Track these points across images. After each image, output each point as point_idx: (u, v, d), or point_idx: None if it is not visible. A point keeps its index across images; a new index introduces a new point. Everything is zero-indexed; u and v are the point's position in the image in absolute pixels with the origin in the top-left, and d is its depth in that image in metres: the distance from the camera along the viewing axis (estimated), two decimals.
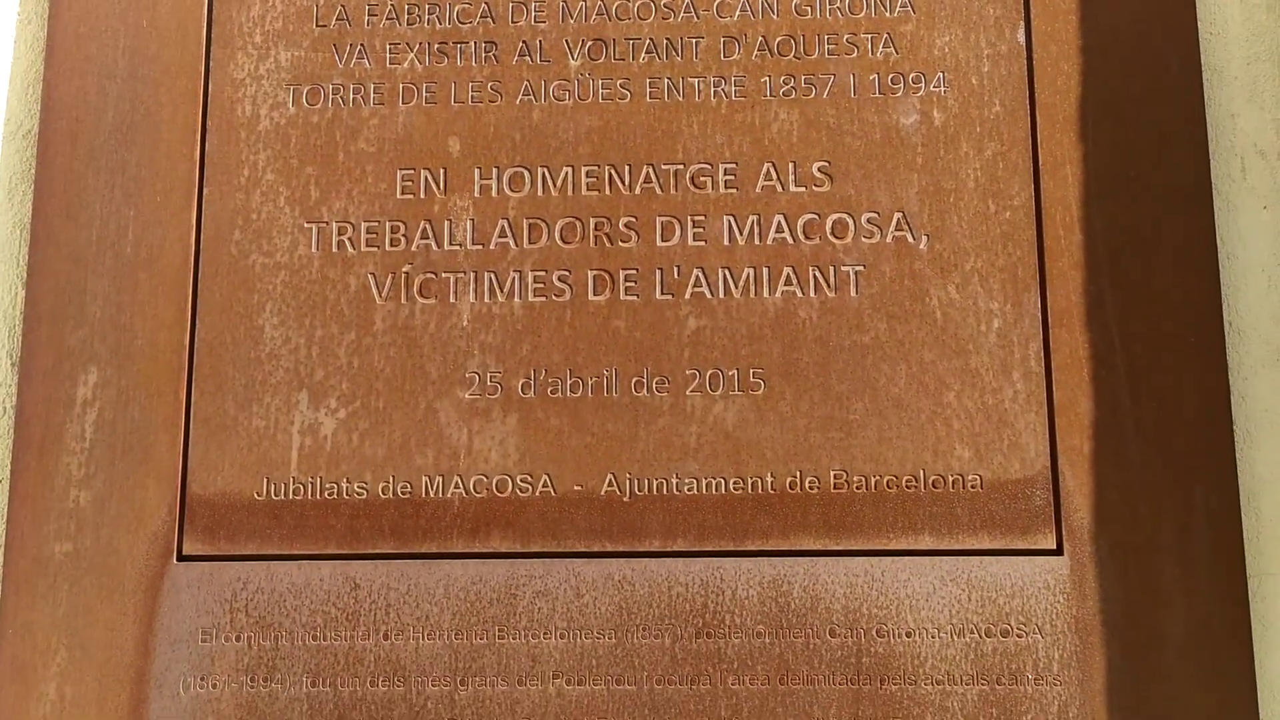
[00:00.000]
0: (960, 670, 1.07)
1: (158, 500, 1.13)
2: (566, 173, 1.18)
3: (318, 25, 1.21)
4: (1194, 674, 1.06)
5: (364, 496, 1.12)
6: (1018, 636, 1.07)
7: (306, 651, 1.09)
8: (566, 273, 1.16)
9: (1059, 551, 1.09)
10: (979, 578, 1.09)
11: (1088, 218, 1.15)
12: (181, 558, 1.11)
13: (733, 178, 1.17)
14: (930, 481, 1.11)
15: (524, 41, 1.20)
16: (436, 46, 1.20)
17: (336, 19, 1.21)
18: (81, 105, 1.20)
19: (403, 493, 1.12)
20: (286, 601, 1.10)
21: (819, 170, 1.17)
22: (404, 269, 1.17)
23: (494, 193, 1.18)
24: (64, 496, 1.13)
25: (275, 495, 1.12)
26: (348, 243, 1.17)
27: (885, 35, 1.18)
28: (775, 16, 1.19)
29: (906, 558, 1.10)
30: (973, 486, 1.11)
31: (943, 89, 1.17)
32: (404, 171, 1.18)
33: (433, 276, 1.16)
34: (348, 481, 1.13)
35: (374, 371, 1.15)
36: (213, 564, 1.11)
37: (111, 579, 1.11)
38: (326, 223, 1.18)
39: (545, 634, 1.09)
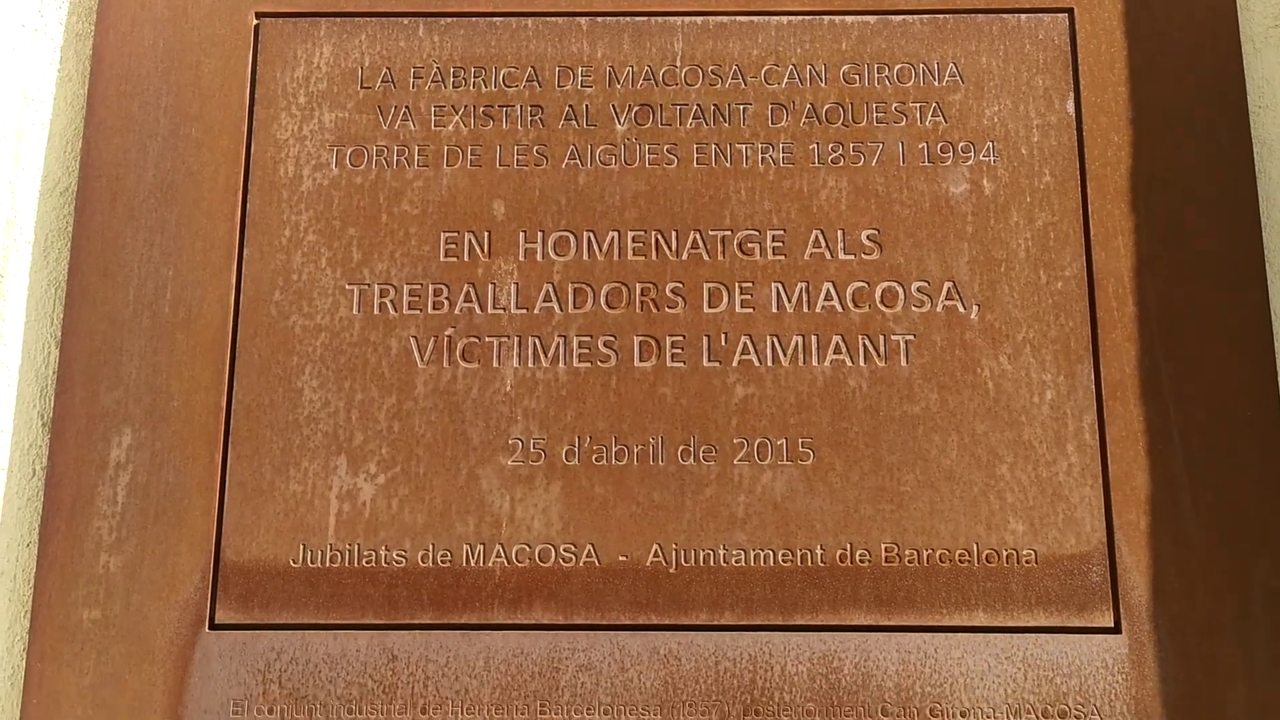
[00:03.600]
0: None
1: (190, 566, 1.09)
2: (612, 237, 1.17)
3: (362, 87, 1.21)
4: None
5: (403, 565, 1.09)
6: (1076, 717, 1.04)
7: None
8: (612, 338, 1.15)
9: (1117, 630, 1.06)
10: (1035, 656, 1.06)
11: (1140, 289, 1.14)
12: (214, 626, 1.08)
13: (781, 244, 1.16)
14: (984, 556, 1.08)
15: (570, 105, 1.20)
16: (482, 109, 1.20)
17: (381, 81, 1.21)
18: (122, 163, 1.19)
19: (443, 561, 1.09)
20: (321, 673, 1.07)
21: (868, 238, 1.16)
22: (447, 332, 1.15)
23: (539, 256, 1.17)
24: (94, 561, 1.10)
25: (311, 562, 1.09)
26: (390, 305, 1.16)
27: (934, 104, 1.18)
28: (823, 84, 1.19)
29: (960, 634, 1.07)
30: (1027, 561, 1.08)
31: (992, 158, 1.17)
32: (448, 234, 1.17)
33: (476, 340, 1.15)
34: (386, 549, 1.10)
35: (415, 436, 1.12)
36: (246, 633, 1.08)
37: (141, 647, 1.08)
38: (368, 285, 1.16)
39: (589, 710, 1.06)
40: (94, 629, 1.08)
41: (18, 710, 1.07)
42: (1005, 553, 1.08)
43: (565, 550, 1.09)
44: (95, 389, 1.14)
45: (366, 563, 1.09)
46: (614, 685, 1.06)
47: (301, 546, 1.10)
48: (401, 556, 1.10)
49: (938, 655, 1.06)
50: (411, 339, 1.15)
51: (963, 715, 1.05)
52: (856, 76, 1.19)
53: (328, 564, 1.09)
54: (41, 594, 1.09)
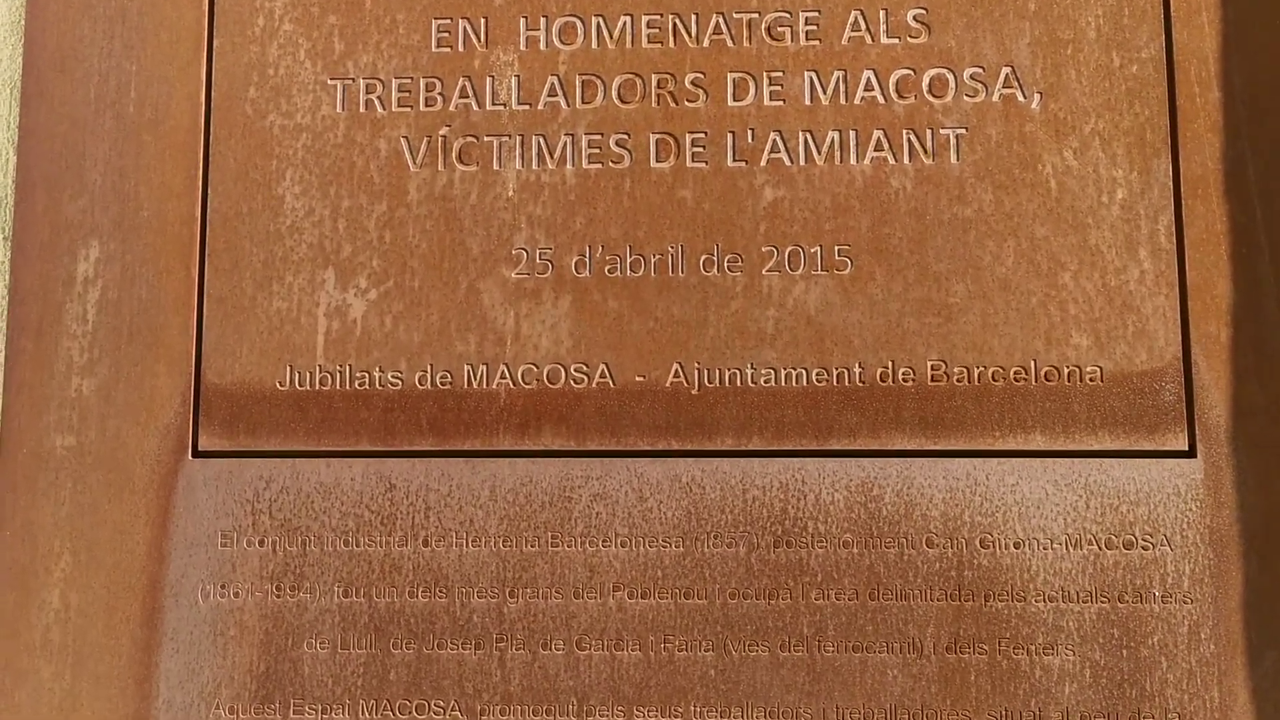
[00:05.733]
0: (1076, 586, 0.94)
1: (169, 390, 1.00)
2: (625, 22, 1.03)
3: None
4: None
5: (399, 387, 1.00)
6: (1143, 548, 0.95)
7: (337, 558, 0.98)
8: (625, 136, 1.02)
9: (1191, 453, 0.95)
10: (1098, 482, 0.96)
11: (1226, 73, 0.99)
12: (197, 453, 1.00)
13: (815, 28, 1.02)
14: (1042, 373, 0.97)
15: None
16: None
17: None
18: None
19: (442, 383, 1.00)
20: (314, 503, 0.98)
21: (914, 19, 1.02)
22: (441, 132, 1.03)
23: (542, 45, 1.03)
24: (65, 384, 1.01)
25: (300, 385, 1.00)
26: (377, 102, 1.03)
27: None
28: None
29: (1015, 459, 0.96)
30: (1091, 379, 0.97)
31: None
32: (440, 21, 1.04)
33: (474, 140, 1.03)
34: (380, 370, 1.00)
35: (408, 247, 1.01)
36: (232, 460, 0.99)
37: (120, 476, 1.00)
38: (352, 79, 1.04)
39: (604, 542, 0.97)
40: (68, 456, 1.00)
41: None
42: (1067, 370, 0.97)
43: (576, 370, 0.99)
44: (58, 198, 1.03)
45: (359, 385, 1.00)
46: (631, 515, 0.97)
47: (288, 368, 1.00)
48: (397, 378, 1.00)
49: (989, 482, 0.96)
50: (402, 139, 1.03)
51: (1016, 546, 0.95)
52: None
53: (317, 386, 1.00)
54: (11, 419, 1.01)
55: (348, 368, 1.00)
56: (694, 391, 0.99)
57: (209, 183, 1.03)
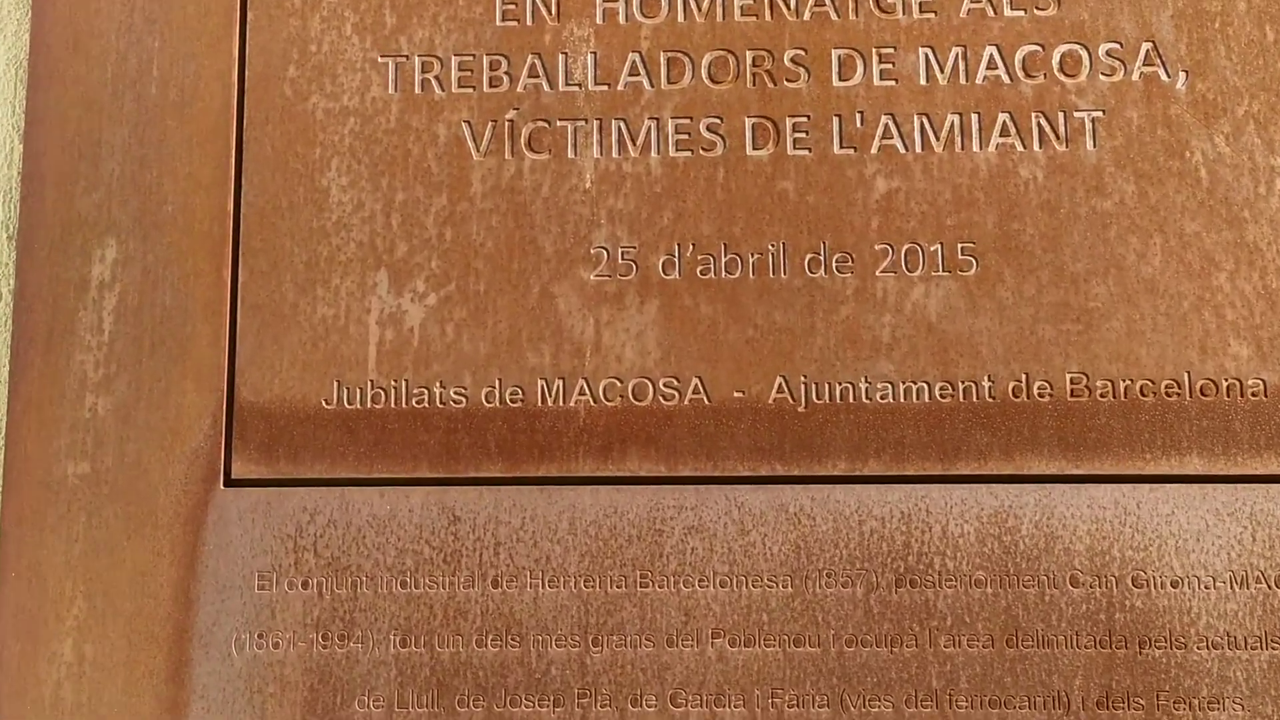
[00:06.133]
0: (1244, 630, 0.82)
1: (198, 409, 0.88)
2: None
3: None
4: None
5: (463, 405, 0.87)
6: None
7: (394, 602, 0.85)
8: (718, 121, 0.90)
9: None
10: (1266, 511, 0.84)
11: None
12: (230, 482, 0.87)
13: None
14: (1198, 387, 0.86)
15: None
16: None
17: None
18: None
19: (513, 400, 0.87)
20: (367, 538, 0.86)
21: None
22: (508, 116, 0.91)
23: (621, 19, 0.92)
24: (78, 404, 0.88)
25: (349, 403, 0.87)
26: (434, 82, 0.91)
27: None
28: None
29: (1169, 485, 0.84)
30: (1254, 394, 0.85)
31: None
32: None
33: (545, 125, 0.91)
34: (442, 386, 0.87)
35: (472, 246, 0.89)
36: (270, 490, 0.86)
37: (141, 508, 0.87)
38: (406, 57, 0.91)
39: (701, 581, 0.85)
40: (82, 486, 0.87)
41: None
42: (1226, 383, 0.85)
43: (666, 385, 0.87)
44: (70, 191, 0.91)
45: (417, 403, 0.87)
46: (732, 551, 0.85)
47: (335, 383, 0.88)
48: (461, 395, 0.87)
49: (1140, 512, 0.84)
50: (464, 124, 0.91)
51: (1173, 585, 0.83)
52: None
53: (369, 404, 0.87)
54: (16, 444, 0.88)
55: (404, 383, 0.88)
56: (801, 409, 0.86)
57: (243, 173, 0.90)
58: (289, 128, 0.91)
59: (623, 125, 0.90)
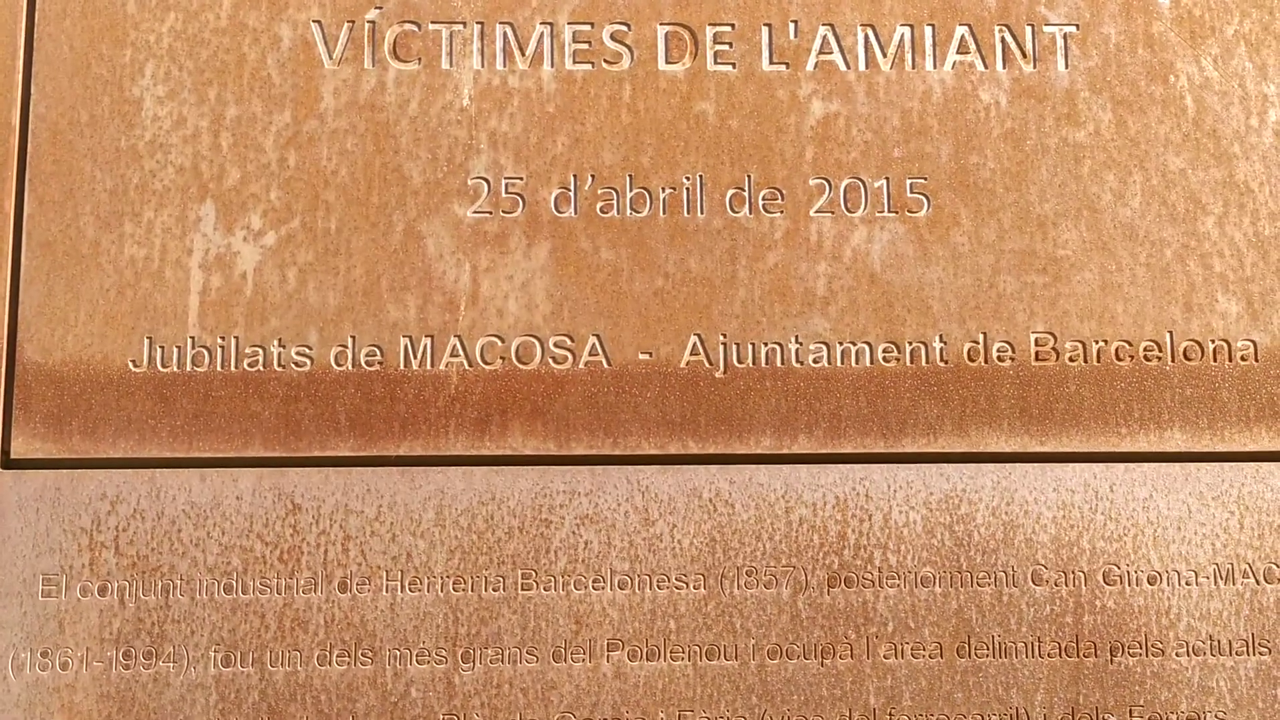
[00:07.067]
0: (1229, 633, 0.71)
1: None
2: None
3: None
4: None
5: (307, 368, 0.71)
6: None
7: (216, 611, 0.69)
8: (624, 28, 0.76)
9: None
10: (1255, 494, 0.72)
11: None
12: (9, 463, 0.70)
13: None
14: (1181, 350, 0.74)
15: None
16: None
17: None
18: None
19: (369, 362, 0.72)
20: (183, 532, 0.70)
21: None
22: (368, 16, 0.75)
23: None
24: None
25: (163, 365, 0.71)
26: None
27: None
28: None
29: (1147, 465, 0.73)
30: (1243, 357, 0.74)
31: None
32: None
33: (414, 29, 0.75)
34: (281, 345, 0.72)
35: (321, 174, 0.73)
36: (60, 473, 0.70)
37: None
38: None
39: (596, 582, 0.70)
40: None
41: None
42: (1212, 345, 0.74)
43: (557, 345, 0.72)
44: None
45: (250, 365, 0.71)
46: (633, 545, 0.71)
47: (146, 341, 0.71)
48: (304, 356, 0.71)
49: (1114, 496, 0.72)
50: (313, 25, 0.75)
51: (1150, 582, 0.71)
52: None
53: (189, 367, 0.71)
54: None
55: (233, 341, 0.71)
56: (719, 374, 0.72)
57: (32, 79, 0.73)
58: (91, 23, 0.74)
59: (509, 31, 0.75)
